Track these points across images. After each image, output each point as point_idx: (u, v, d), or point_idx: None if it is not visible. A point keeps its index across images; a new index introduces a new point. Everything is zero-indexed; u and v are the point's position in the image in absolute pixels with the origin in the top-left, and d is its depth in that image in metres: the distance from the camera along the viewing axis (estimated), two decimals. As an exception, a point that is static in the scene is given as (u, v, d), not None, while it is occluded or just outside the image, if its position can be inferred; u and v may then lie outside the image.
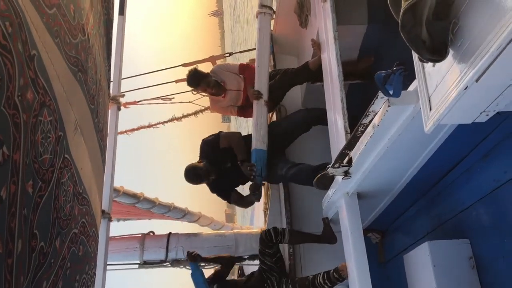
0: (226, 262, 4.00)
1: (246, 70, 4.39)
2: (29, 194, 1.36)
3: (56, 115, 1.73)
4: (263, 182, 4.12)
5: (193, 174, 3.97)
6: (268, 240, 3.52)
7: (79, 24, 2.11)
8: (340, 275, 3.22)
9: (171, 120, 5.65)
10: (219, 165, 4.02)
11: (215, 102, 4.60)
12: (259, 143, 3.95)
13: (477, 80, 1.37)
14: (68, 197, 1.94)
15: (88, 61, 2.39)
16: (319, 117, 3.76)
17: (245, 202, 4.16)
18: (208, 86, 4.36)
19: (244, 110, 4.49)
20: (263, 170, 3.88)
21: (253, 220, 5.92)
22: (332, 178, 3.18)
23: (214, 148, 4.12)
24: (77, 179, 2.12)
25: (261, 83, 4.16)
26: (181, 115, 5.69)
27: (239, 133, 4.30)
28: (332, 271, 3.28)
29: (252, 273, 3.84)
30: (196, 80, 4.39)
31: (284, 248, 3.99)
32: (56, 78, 1.76)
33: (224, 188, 4.16)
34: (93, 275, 2.54)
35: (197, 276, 3.90)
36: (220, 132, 4.28)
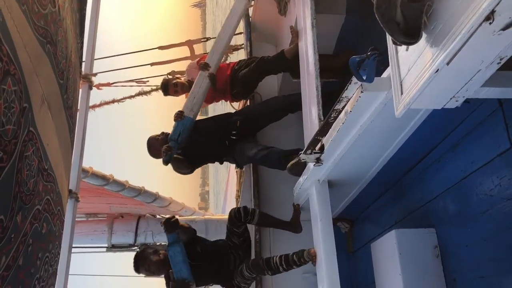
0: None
1: (200, 60, 4.39)
2: (-12, 164, 1.30)
3: (21, 86, 1.67)
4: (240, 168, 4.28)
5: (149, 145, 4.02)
6: (237, 219, 3.46)
7: (49, -7, 2.04)
8: (300, 259, 3.16)
9: (139, 94, 5.49)
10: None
11: None
12: (187, 110, 3.95)
13: (448, 63, 1.38)
14: (32, 171, 1.88)
15: (58, 34, 2.31)
16: (296, 103, 3.75)
17: (164, 161, 3.98)
18: (175, 87, 4.40)
19: (213, 96, 4.47)
20: (182, 135, 3.89)
21: (225, 207, 5.91)
22: (305, 165, 3.18)
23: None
24: (43, 154, 2.05)
25: (213, 57, 4.18)
26: (150, 89, 5.52)
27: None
28: (291, 254, 3.21)
29: (217, 240, 3.72)
30: (164, 88, 4.47)
31: (251, 232, 3.96)
32: (22, 47, 1.69)
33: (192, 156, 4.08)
34: (57, 255, 2.48)
35: (176, 251, 3.29)
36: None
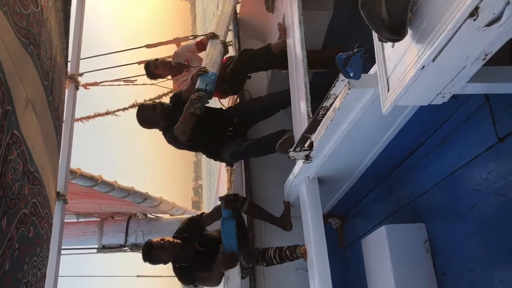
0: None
1: (202, 42, 4.38)
2: (-31, 169, 1.28)
3: (3, 88, 1.64)
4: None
5: (140, 110, 3.86)
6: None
7: (31, -7, 2.00)
8: (292, 254, 3.21)
9: (132, 106, 5.45)
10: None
11: (176, 81, 4.51)
12: (209, 66, 3.78)
13: (433, 60, 1.38)
14: (17, 175, 1.85)
15: (42, 34, 2.28)
16: (288, 99, 3.72)
17: (198, 107, 3.59)
18: (156, 68, 4.37)
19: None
20: (209, 86, 3.62)
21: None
22: (293, 142, 3.13)
23: (178, 100, 3.90)
24: (28, 157, 2.02)
25: (220, 29, 4.23)
26: (143, 100, 5.50)
27: None
28: (285, 248, 3.26)
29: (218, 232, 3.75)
30: (146, 69, 4.42)
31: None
32: (3, 48, 1.66)
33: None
34: (46, 258, 2.45)
35: (230, 225, 3.43)
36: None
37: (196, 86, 3.61)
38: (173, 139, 3.81)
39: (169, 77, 4.61)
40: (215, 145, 3.97)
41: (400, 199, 3.27)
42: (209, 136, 3.91)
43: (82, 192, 3.90)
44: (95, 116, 5.78)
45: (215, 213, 3.71)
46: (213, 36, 4.13)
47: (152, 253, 3.50)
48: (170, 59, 4.57)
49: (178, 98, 3.89)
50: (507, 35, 1.28)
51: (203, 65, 3.85)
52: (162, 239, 3.51)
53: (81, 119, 5.58)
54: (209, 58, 3.90)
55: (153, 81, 4.82)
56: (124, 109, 5.82)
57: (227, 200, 3.58)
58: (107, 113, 5.87)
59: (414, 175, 3.09)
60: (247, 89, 4.76)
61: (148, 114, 3.80)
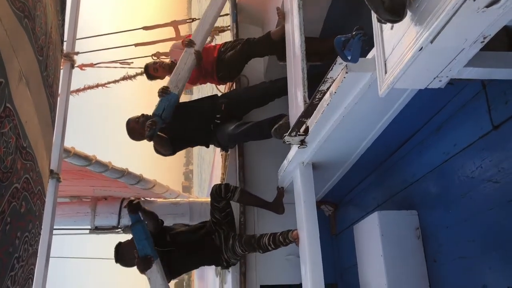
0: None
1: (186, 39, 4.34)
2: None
3: (-3, 60, 1.61)
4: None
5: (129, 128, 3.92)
6: (218, 194, 3.57)
7: (26, -35, 1.97)
8: (285, 240, 3.24)
9: (123, 78, 5.37)
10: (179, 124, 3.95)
11: None
12: (172, 86, 3.87)
13: (432, 41, 1.37)
14: (9, 149, 1.83)
15: (37, 8, 2.24)
16: (283, 88, 3.73)
17: (147, 136, 3.82)
18: (155, 72, 4.32)
19: (197, 77, 4.41)
20: (166, 111, 3.79)
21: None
22: (288, 127, 3.15)
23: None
24: (21, 132, 2.00)
25: (199, 35, 4.12)
26: (135, 73, 5.41)
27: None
28: (279, 234, 3.30)
29: (205, 222, 3.81)
30: (146, 72, 4.38)
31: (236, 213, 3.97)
32: (-3, 20, 1.63)
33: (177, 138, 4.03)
34: (38, 235, 2.44)
35: (138, 230, 3.45)
36: None
37: (154, 110, 3.79)
38: (159, 150, 3.94)
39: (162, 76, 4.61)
40: (204, 135, 4.01)
41: (393, 186, 3.28)
42: (195, 130, 3.99)
43: (76, 170, 3.88)
44: (85, 88, 5.70)
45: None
46: (190, 43, 4.06)
47: (121, 256, 3.56)
48: (168, 59, 4.56)
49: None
50: (506, 17, 1.27)
51: (169, 80, 3.91)
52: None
53: (72, 92, 5.52)
54: (176, 74, 3.93)
55: (153, 60, 4.81)
56: (115, 81, 5.75)
57: (129, 205, 3.57)
58: (97, 86, 5.77)
59: (408, 163, 3.10)
60: (244, 74, 4.74)
61: (133, 126, 3.88)
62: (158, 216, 3.69)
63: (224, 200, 3.59)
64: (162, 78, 4.53)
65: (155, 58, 5.06)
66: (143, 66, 4.80)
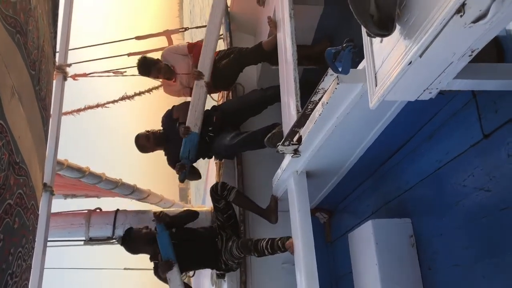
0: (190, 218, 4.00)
1: (195, 48, 4.32)
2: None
3: (-11, 77, 1.61)
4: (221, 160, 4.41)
5: (136, 140, 4.21)
6: (214, 192, 3.69)
7: (17, -18, 1.97)
8: (283, 246, 3.27)
9: (122, 98, 5.39)
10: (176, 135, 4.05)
11: (167, 86, 4.51)
12: (192, 126, 3.97)
13: (421, 55, 1.39)
14: (2, 165, 1.83)
15: (29, 23, 2.25)
16: (275, 96, 3.76)
17: (180, 179, 4.24)
18: (159, 73, 4.30)
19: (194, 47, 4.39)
20: (191, 152, 4.01)
21: (205, 199, 5.89)
22: (282, 136, 3.17)
23: (170, 119, 4.23)
24: (14, 147, 2.00)
25: (204, 64, 4.11)
26: (133, 93, 5.45)
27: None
28: (277, 239, 3.33)
29: (211, 226, 3.96)
30: (146, 68, 4.30)
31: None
32: (-11, 36, 1.64)
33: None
34: (31, 249, 2.43)
35: (164, 237, 3.73)
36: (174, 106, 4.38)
37: (180, 154, 4.01)
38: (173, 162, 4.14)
39: (156, 79, 4.60)
40: (202, 148, 4.11)
41: (387, 194, 3.29)
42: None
43: (70, 184, 3.87)
44: (85, 109, 5.74)
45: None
46: (199, 75, 4.08)
47: (130, 237, 3.78)
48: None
49: (169, 118, 4.22)
50: (493, 31, 1.29)
51: (188, 119, 4.00)
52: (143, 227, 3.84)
53: (72, 112, 5.55)
54: (193, 112, 4.01)
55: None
56: (114, 101, 5.79)
57: (157, 216, 3.85)
58: (97, 106, 5.82)
59: (401, 171, 3.12)
60: (239, 82, 4.76)
61: (144, 144, 4.19)
62: (186, 218, 3.96)
63: (221, 199, 3.69)
64: (157, 78, 4.52)
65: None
66: (136, 74, 4.79)
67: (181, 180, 4.16)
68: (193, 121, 3.97)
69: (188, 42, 4.48)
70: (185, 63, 4.35)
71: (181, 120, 4.05)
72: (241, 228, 4.04)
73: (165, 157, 4.30)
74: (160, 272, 3.68)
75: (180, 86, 4.41)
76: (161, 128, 4.30)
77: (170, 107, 4.39)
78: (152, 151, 4.30)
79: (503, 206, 2.10)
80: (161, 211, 4.04)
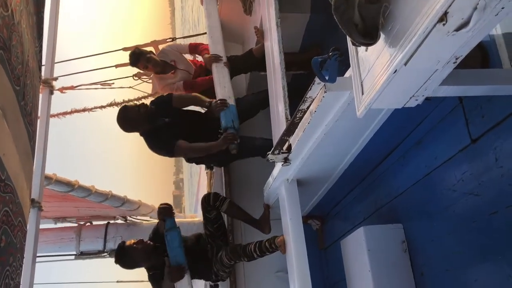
0: None
1: (198, 47, 4.34)
2: None
3: (-29, 95, 1.59)
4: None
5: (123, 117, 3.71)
6: (206, 203, 3.55)
7: (-1, -3, 1.95)
8: (271, 246, 3.23)
9: (111, 104, 5.35)
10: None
11: (160, 80, 4.40)
12: (227, 99, 3.82)
13: (405, 64, 1.39)
14: (-13, 184, 1.80)
15: (12, 39, 2.22)
16: (268, 100, 3.72)
17: (233, 148, 3.68)
18: (148, 63, 4.21)
19: (193, 85, 4.34)
20: (235, 122, 3.73)
21: (197, 208, 5.86)
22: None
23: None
24: (-1, 164, 1.97)
25: (217, 49, 4.15)
26: (122, 100, 5.41)
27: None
28: (265, 240, 3.29)
29: (200, 234, 3.75)
30: (136, 57, 4.25)
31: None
32: (-30, 54, 1.61)
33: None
34: (19, 267, 2.38)
35: (174, 236, 3.31)
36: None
37: (224, 124, 3.68)
38: (158, 146, 3.75)
39: (146, 71, 4.56)
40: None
41: (378, 200, 3.30)
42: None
43: (60, 195, 3.83)
44: (72, 112, 5.67)
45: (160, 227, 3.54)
46: (216, 58, 4.05)
47: (125, 254, 3.45)
48: (148, 78, 4.55)
49: (163, 102, 3.84)
50: (476, 39, 1.30)
51: (219, 96, 3.83)
52: (136, 242, 3.46)
53: (57, 114, 5.49)
54: (222, 87, 3.90)
55: (134, 81, 4.81)
56: (102, 107, 5.72)
57: (164, 210, 3.48)
58: (84, 110, 5.74)
59: (391, 176, 3.12)
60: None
61: (132, 114, 3.67)
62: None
63: (213, 209, 3.57)
64: (147, 71, 4.46)
65: (136, 78, 5.05)
66: (124, 86, 4.77)
67: (235, 148, 3.61)
68: (227, 95, 3.84)
69: (190, 43, 4.51)
70: (185, 61, 4.38)
71: (207, 102, 3.81)
72: (230, 238, 3.99)
73: (146, 141, 3.79)
74: (169, 279, 3.29)
75: (179, 80, 4.32)
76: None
77: None
78: (135, 129, 3.78)
79: (493, 210, 2.11)
80: (166, 203, 3.59)
